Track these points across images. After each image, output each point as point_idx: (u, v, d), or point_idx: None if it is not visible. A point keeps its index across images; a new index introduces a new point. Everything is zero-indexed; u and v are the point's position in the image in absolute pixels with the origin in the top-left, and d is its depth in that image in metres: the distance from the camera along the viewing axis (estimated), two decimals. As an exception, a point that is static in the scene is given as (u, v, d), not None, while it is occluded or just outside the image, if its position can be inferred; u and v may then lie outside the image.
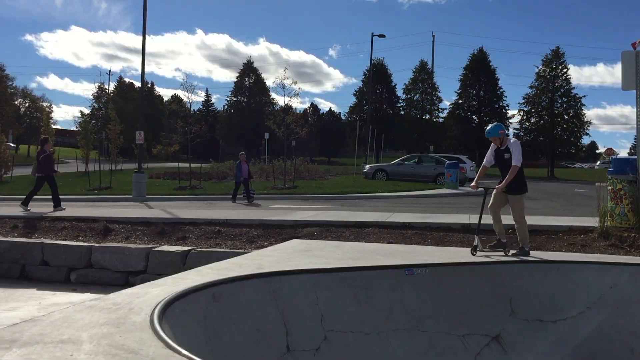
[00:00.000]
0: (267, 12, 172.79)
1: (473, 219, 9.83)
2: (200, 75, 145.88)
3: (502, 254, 6.56)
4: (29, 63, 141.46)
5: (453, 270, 5.68)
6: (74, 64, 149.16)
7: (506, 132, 6.84)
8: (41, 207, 13.87)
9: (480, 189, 7.19)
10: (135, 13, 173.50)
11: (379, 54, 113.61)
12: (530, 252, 6.71)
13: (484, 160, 6.98)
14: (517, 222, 6.70)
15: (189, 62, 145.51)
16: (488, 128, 6.83)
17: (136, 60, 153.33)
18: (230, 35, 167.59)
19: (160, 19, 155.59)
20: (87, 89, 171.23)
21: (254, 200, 16.27)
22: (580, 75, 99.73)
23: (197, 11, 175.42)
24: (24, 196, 12.68)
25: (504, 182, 6.62)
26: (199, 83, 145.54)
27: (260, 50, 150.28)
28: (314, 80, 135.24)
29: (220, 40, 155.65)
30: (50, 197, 12.39)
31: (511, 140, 6.80)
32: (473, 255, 6.39)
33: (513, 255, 6.49)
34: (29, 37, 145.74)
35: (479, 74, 56.78)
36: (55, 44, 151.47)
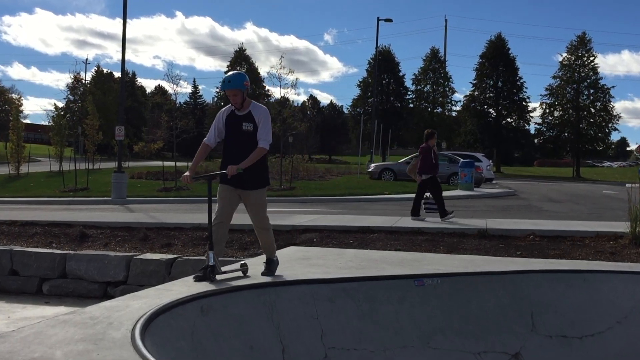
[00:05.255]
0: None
1: (490, 223, 9.84)
2: (182, 64, 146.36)
3: (269, 277, 5.22)
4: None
5: (468, 280, 5.68)
6: (41, 51, 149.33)
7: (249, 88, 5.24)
8: (13, 209, 13.87)
9: (201, 182, 5.51)
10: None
11: (385, 40, 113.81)
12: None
13: (208, 134, 5.28)
14: (261, 228, 5.27)
15: (170, 48, 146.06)
16: (229, 75, 5.17)
17: (110, 47, 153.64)
18: (214, 18, 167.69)
19: (136, 0, 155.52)
20: (57, 79, 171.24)
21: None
22: (603, 63, 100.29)
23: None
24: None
25: (244, 162, 4.97)
26: (180, 72, 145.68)
27: (247, 35, 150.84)
28: (309, 69, 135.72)
29: (202, 24, 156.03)
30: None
31: (260, 107, 5.24)
32: (211, 281, 4.85)
33: (264, 274, 5.25)
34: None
35: (497, 62, 56.80)
36: (19, 29, 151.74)
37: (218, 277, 4.94)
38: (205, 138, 5.30)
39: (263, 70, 74.59)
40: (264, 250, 5.56)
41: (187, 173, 5.29)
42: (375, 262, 6.52)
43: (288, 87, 23.62)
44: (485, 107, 58.05)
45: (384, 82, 63.63)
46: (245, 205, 5.25)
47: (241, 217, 11.53)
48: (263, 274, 5.30)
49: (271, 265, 5.42)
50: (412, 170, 11.80)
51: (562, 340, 5.39)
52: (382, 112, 57.33)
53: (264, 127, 5.13)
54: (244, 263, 5.49)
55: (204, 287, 4.71)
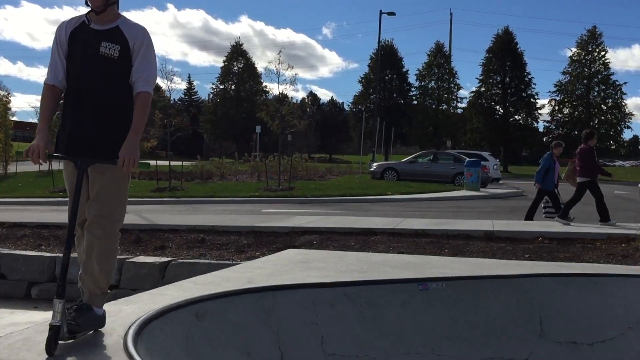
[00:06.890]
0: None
1: (497, 225, 9.84)
2: (175, 59, 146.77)
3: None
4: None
5: (474, 284, 5.68)
6: (28, 46, 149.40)
7: None
8: (0, 210, 13.86)
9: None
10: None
11: (387, 34, 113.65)
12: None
13: (50, 69, 3.43)
14: (103, 227, 3.42)
15: (162, 43, 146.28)
16: None
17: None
18: (207, 11, 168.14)
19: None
20: (44, 75, 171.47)
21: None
22: (614, 58, 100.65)
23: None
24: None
25: (133, 130, 3.26)
26: (174, 67, 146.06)
27: (242, 28, 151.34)
28: (307, 64, 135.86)
29: (195, 18, 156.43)
30: None
31: (136, 25, 3.35)
32: (51, 355, 3.09)
33: (71, 329, 3.24)
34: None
35: (504, 57, 56.88)
36: (4, 23, 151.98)
37: (61, 343, 3.15)
38: (47, 76, 3.40)
39: (260, 66, 74.60)
40: (85, 278, 3.61)
41: (36, 142, 3.22)
42: (378, 265, 6.52)
43: (287, 83, 23.65)
44: (492, 104, 58.13)
45: (386, 78, 63.71)
46: (93, 184, 3.35)
47: (237, 219, 11.51)
48: (72, 312, 3.37)
49: (83, 313, 3.39)
50: (570, 176, 11.32)
51: (572, 346, 5.39)
52: (385, 109, 57.38)
53: (144, 58, 3.26)
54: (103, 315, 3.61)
55: (200, 290, 4.71)
